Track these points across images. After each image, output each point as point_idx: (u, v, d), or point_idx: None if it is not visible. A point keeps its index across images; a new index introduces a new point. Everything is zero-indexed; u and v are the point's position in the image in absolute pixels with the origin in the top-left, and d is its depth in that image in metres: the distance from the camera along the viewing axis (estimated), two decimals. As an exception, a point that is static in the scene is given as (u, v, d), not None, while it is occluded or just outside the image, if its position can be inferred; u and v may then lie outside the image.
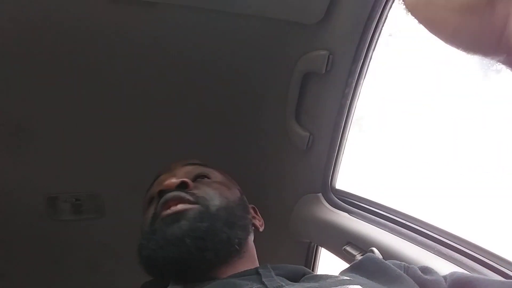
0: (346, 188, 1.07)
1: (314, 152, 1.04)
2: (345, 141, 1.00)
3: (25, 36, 0.85)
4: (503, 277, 0.63)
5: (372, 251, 0.80)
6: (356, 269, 0.61)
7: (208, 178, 0.73)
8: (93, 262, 1.28)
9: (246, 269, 0.61)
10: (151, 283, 0.65)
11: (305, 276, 0.60)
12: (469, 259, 0.69)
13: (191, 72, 1.01)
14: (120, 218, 1.21)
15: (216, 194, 0.66)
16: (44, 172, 1.10)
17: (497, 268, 0.65)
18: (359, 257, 0.84)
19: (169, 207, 0.62)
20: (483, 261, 0.67)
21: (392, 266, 0.59)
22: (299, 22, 0.87)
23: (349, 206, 1.00)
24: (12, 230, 1.16)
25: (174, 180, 0.66)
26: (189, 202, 0.63)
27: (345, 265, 0.91)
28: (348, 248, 0.89)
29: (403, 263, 0.61)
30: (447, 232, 0.77)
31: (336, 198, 1.06)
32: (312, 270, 1.21)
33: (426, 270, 0.59)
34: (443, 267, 0.69)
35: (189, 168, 0.75)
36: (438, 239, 0.76)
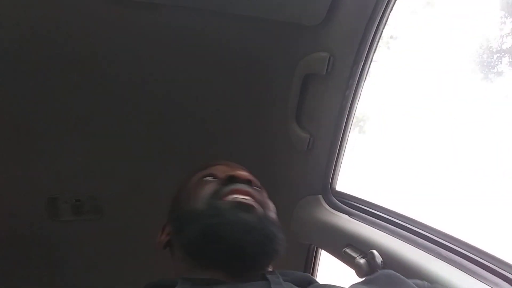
0: (346, 190, 1.07)
1: (314, 154, 1.04)
2: (345, 143, 1.00)
3: (27, 37, 0.85)
4: (503, 279, 0.63)
5: (372, 254, 0.80)
6: (368, 283, 0.59)
7: (262, 191, 0.75)
8: (93, 262, 1.28)
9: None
10: (155, 284, 0.64)
11: (313, 285, 0.60)
12: (469, 261, 0.69)
13: (192, 73, 1.01)
14: (119, 219, 1.21)
15: (270, 207, 0.70)
16: (44, 173, 1.10)
17: (497, 271, 0.65)
18: (359, 259, 0.84)
19: (238, 193, 0.65)
20: (483, 263, 0.67)
21: (408, 281, 0.57)
22: (300, 24, 0.87)
23: (349, 208, 1.00)
24: (12, 230, 1.16)
25: (245, 173, 0.69)
26: (257, 201, 0.66)
27: (345, 267, 0.91)
28: (348, 250, 0.88)
29: (426, 282, 0.60)
30: (448, 234, 0.76)
31: (336, 200, 1.05)
32: (312, 272, 1.21)
33: None
34: (443, 270, 0.69)
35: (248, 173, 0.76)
36: (438, 241, 0.76)
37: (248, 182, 0.69)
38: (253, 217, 0.62)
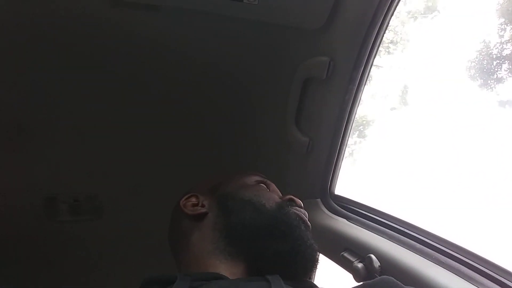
0: (345, 193, 1.07)
1: (313, 158, 1.04)
2: (344, 147, 1.00)
3: (28, 38, 0.85)
4: (500, 286, 0.63)
5: (370, 258, 0.80)
6: (367, 287, 0.60)
7: None
8: (91, 262, 1.28)
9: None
10: (154, 280, 0.64)
11: None
12: (467, 267, 0.69)
13: (192, 76, 1.01)
14: (118, 219, 1.21)
15: None
16: (42, 172, 1.10)
17: (494, 278, 0.65)
18: (356, 263, 0.84)
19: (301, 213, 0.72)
20: (481, 270, 0.67)
21: None
22: (300, 28, 0.87)
23: (347, 212, 1.00)
24: (9, 230, 1.16)
25: (300, 202, 0.75)
26: None
27: (343, 272, 0.91)
28: (346, 254, 0.88)
29: None
30: (446, 240, 0.77)
31: (335, 204, 1.05)
32: (310, 276, 1.21)
33: None
34: (441, 276, 0.69)
35: None
36: (437, 247, 0.76)
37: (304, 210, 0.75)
38: (309, 235, 0.68)
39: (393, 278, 0.60)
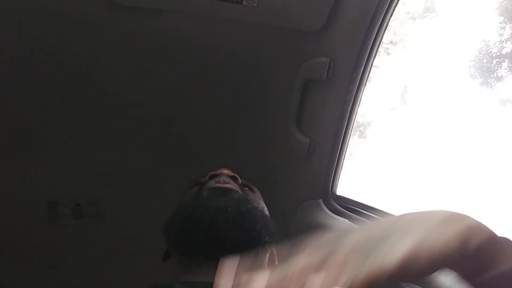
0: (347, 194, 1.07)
1: (315, 159, 1.04)
2: (345, 148, 1.00)
3: (29, 42, 0.85)
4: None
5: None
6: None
7: (253, 192, 0.77)
8: (93, 267, 1.28)
9: None
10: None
11: None
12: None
13: (193, 79, 1.01)
14: (120, 223, 1.21)
15: (257, 201, 0.72)
16: (44, 176, 1.10)
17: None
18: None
19: (217, 183, 0.68)
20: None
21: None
22: (300, 29, 0.88)
23: (350, 213, 1.00)
24: (12, 234, 1.16)
25: (227, 171, 0.72)
26: (237, 188, 0.69)
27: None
28: (349, 255, 0.88)
29: None
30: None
31: (336, 205, 1.05)
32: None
33: None
34: (446, 276, 0.69)
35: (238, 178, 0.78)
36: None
37: (232, 178, 0.71)
38: (229, 200, 0.63)
39: None
